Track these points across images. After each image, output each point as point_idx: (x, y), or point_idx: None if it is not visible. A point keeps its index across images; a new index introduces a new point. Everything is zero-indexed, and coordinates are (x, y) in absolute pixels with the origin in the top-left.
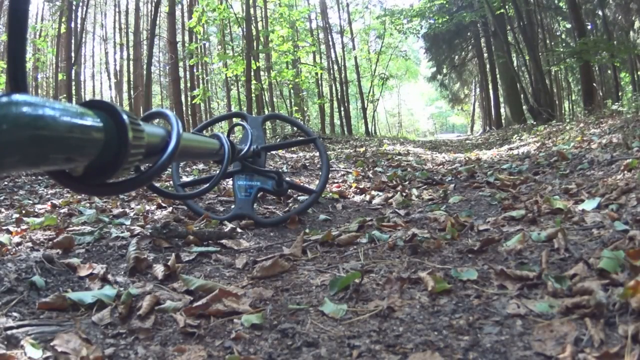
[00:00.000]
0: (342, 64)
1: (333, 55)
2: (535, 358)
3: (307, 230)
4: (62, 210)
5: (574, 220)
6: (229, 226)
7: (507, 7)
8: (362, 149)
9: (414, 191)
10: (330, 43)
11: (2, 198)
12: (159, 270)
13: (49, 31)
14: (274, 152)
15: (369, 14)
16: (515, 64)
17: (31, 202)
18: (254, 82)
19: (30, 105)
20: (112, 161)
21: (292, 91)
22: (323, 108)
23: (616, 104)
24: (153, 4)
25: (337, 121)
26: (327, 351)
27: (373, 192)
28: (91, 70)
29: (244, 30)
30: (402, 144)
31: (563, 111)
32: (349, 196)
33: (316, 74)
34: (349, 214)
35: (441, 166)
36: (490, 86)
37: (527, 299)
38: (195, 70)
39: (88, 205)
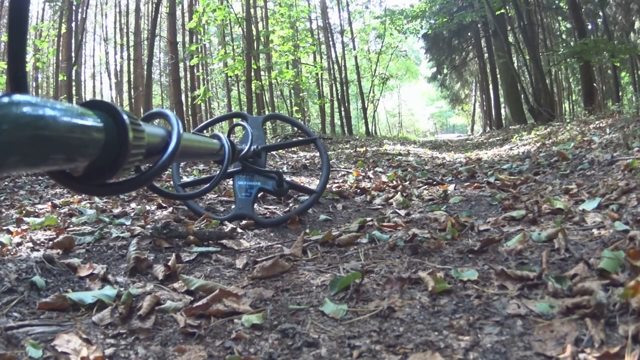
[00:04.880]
0: (343, 64)
1: (333, 55)
2: (535, 358)
3: (307, 231)
4: (62, 211)
5: (575, 221)
6: (229, 226)
7: (507, 7)
8: (362, 149)
9: (415, 191)
10: (331, 43)
11: (2, 198)
12: (159, 270)
13: (49, 31)
14: (274, 152)
15: (369, 14)
16: (515, 64)
17: (31, 202)
18: (254, 81)
19: (31, 106)
20: (113, 161)
21: (292, 91)
22: (323, 108)
23: (616, 104)
24: (153, 4)
25: (337, 121)
26: (328, 351)
27: (373, 192)
28: (91, 70)
29: (244, 30)
30: (402, 144)
31: (563, 111)
32: (349, 196)
33: (316, 74)
34: (349, 214)
35: (441, 166)
36: (490, 86)
37: (527, 299)
38: (195, 71)
39: (88, 205)
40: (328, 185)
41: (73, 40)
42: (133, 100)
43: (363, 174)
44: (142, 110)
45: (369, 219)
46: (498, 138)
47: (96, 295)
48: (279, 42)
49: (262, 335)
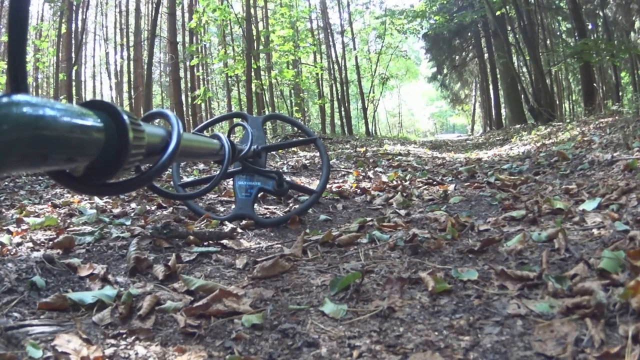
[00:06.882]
0: (343, 64)
1: (333, 55)
2: (535, 358)
3: (307, 231)
4: (62, 210)
5: (575, 221)
6: (229, 226)
7: (507, 7)
8: (362, 149)
9: (415, 191)
10: (331, 43)
11: (2, 198)
12: (159, 270)
13: (49, 31)
14: (274, 152)
15: (369, 14)
16: (515, 64)
17: (31, 202)
18: (254, 80)
19: (31, 106)
20: (113, 161)
21: (292, 91)
22: (323, 108)
23: (616, 104)
24: (153, 4)
25: (337, 121)
26: (328, 351)
27: (373, 192)
28: (91, 70)
29: (244, 30)
30: (402, 144)
31: (563, 111)
32: (349, 196)
33: (316, 74)
34: (349, 214)
35: (441, 166)
36: (490, 86)
37: (527, 299)
38: (195, 71)
39: (88, 205)
40: (328, 185)
41: (73, 41)
42: (133, 100)
43: (363, 174)
44: (142, 110)
45: (369, 219)
46: (498, 138)
47: (96, 295)
48: (279, 42)
49: (262, 335)
